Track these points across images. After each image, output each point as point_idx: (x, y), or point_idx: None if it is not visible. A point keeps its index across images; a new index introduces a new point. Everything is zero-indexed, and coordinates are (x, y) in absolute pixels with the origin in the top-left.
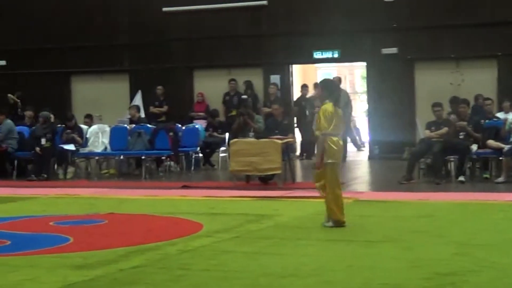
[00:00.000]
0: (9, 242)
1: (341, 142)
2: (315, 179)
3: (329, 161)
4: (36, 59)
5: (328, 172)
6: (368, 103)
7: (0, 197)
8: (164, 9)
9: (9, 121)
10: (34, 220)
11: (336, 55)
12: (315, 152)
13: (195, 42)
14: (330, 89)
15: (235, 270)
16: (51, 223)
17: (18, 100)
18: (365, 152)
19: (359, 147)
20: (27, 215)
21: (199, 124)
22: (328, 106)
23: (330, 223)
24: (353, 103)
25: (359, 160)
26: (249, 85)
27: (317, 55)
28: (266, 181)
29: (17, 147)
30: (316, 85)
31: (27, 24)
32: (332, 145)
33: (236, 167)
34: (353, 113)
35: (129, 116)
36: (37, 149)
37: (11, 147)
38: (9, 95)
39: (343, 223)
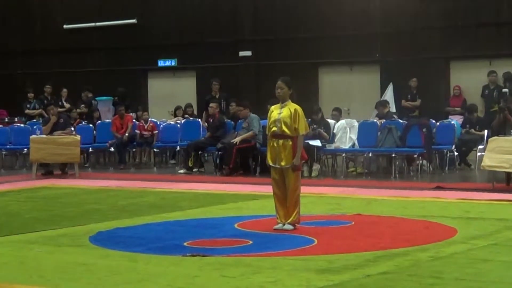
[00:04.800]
0: (251, 242)
1: None
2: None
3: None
4: (282, 49)
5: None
6: None
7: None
8: None
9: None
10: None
11: None
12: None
13: (451, 30)
14: (293, 87)
15: (492, 281)
16: None
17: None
18: None
19: None
20: (270, 214)
21: (455, 120)
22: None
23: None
24: None
25: None
26: (508, 77)
27: None
28: None
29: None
30: None
31: (272, 15)
32: None
33: (489, 163)
34: None
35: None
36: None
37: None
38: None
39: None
